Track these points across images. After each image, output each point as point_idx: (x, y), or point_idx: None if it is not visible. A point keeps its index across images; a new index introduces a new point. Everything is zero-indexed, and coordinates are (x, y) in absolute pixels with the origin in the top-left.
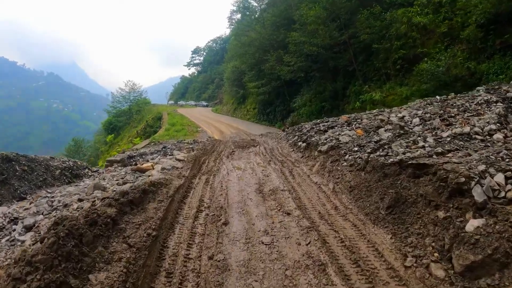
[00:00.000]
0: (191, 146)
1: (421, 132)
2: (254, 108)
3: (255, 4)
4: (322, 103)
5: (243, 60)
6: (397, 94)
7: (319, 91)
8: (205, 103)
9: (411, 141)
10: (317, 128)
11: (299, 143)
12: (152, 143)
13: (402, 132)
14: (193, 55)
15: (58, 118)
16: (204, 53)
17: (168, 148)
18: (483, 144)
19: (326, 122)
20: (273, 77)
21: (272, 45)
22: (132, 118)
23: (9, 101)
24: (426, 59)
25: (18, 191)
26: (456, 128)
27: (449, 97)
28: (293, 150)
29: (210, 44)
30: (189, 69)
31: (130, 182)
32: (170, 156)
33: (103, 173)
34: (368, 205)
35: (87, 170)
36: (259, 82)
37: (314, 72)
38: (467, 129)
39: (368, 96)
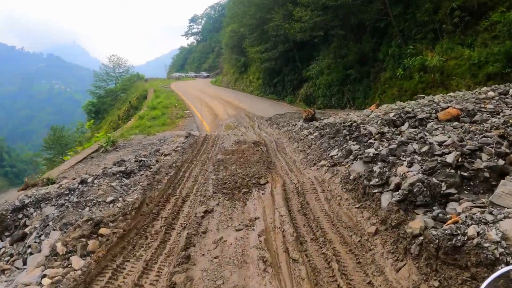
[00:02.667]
0: (108, 205)
1: None
2: (258, 78)
3: None
4: (345, 70)
5: (243, 22)
6: (462, 58)
7: (341, 55)
8: (205, 74)
9: None
10: (410, 142)
11: (386, 198)
12: (102, 150)
13: None
14: (191, 24)
15: (61, 99)
16: (203, 21)
17: (57, 215)
18: None
19: (412, 117)
20: (280, 39)
21: (277, 2)
22: (117, 98)
23: (10, 86)
24: (503, 8)
25: None
26: None
27: None
28: (375, 227)
29: (209, 11)
30: (187, 38)
31: None
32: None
33: None
34: None
35: None
36: (263, 46)
37: (336, 29)
38: None
39: (416, 60)
